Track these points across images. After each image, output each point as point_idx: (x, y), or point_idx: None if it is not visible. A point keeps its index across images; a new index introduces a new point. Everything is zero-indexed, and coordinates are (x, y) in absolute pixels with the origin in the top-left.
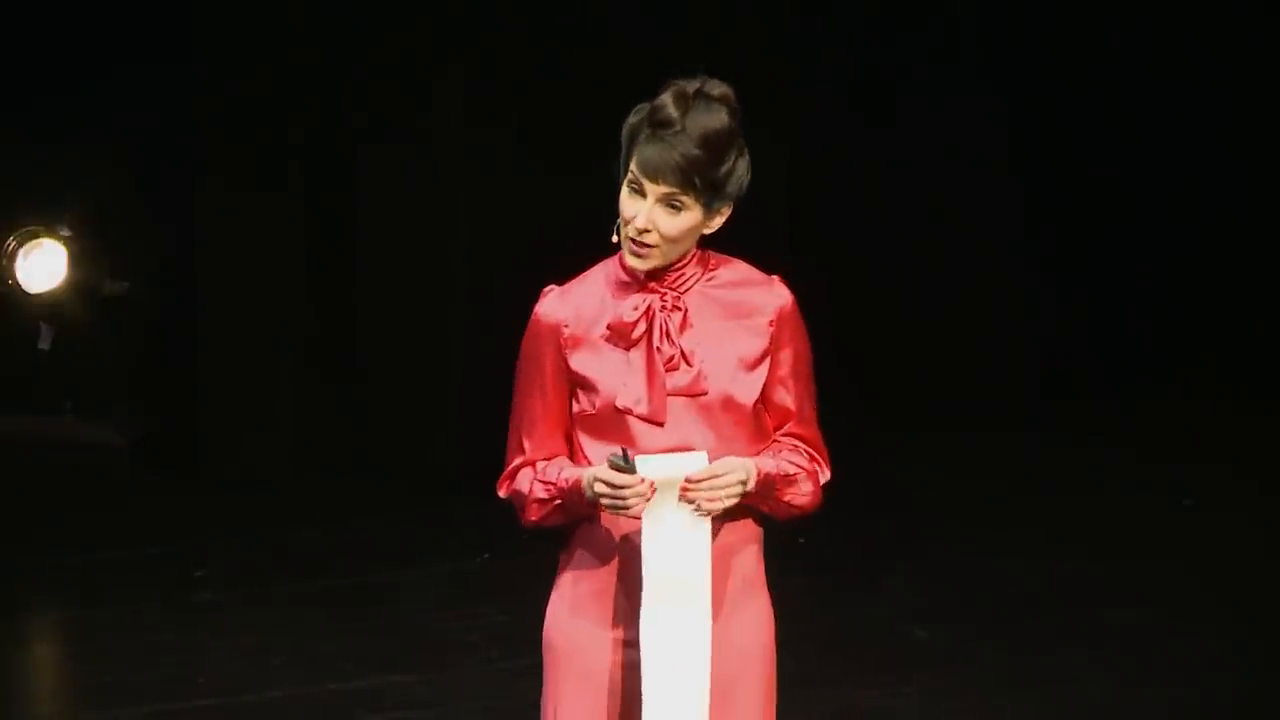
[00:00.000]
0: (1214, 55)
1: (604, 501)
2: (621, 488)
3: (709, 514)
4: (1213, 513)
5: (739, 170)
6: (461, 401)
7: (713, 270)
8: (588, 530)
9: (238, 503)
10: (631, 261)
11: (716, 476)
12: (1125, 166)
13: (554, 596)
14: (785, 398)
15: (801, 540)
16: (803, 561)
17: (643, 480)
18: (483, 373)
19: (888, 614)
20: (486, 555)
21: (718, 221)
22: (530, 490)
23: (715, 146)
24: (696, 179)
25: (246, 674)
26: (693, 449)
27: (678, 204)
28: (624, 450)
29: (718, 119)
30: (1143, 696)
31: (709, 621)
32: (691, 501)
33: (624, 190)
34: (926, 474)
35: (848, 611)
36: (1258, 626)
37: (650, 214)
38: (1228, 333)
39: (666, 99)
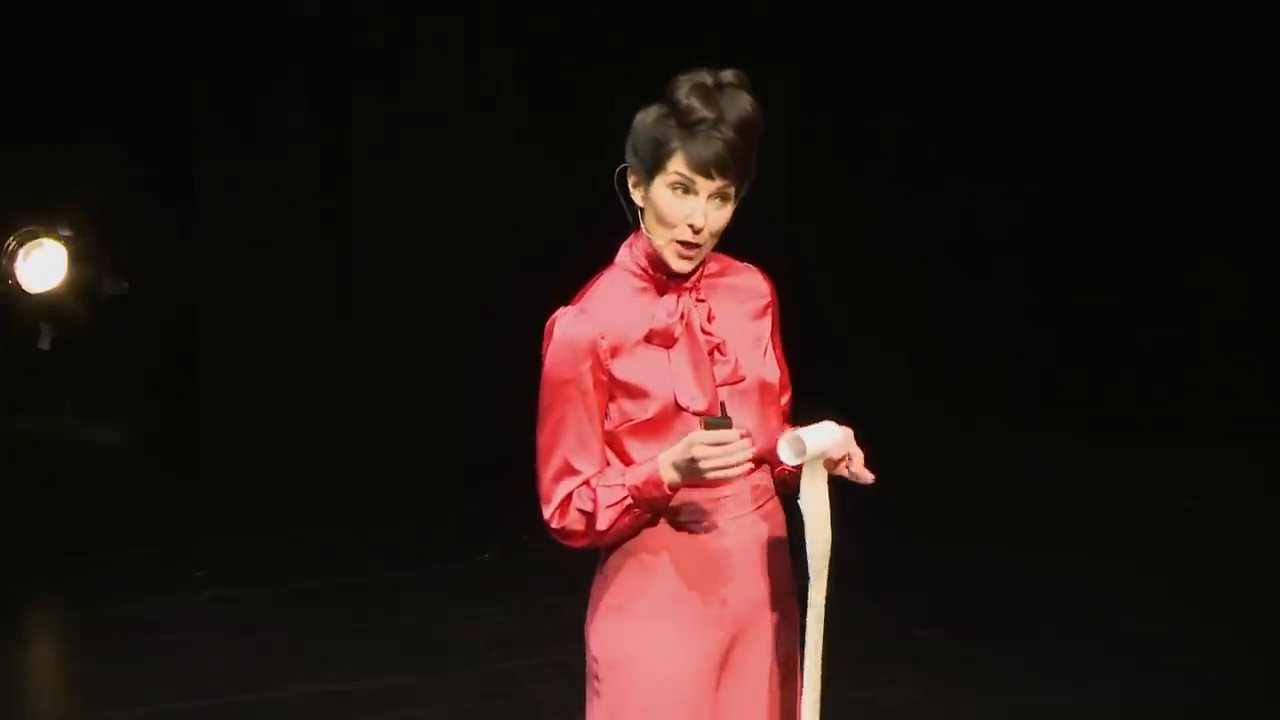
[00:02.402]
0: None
1: (707, 464)
2: (727, 443)
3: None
4: (1216, 512)
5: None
6: (461, 402)
7: (707, 262)
8: (637, 542)
9: (238, 503)
10: (678, 264)
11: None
12: (1130, 165)
13: (607, 613)
14: (783, 375)
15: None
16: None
17: (743, 434)
18: (483, 374)
19: (889, 613)
20: (486, 555)
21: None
22: (596, 502)
23: (751, 132)
24: (741, 168)
25: (246, 674)
26: (748, 435)
27: (727, 196)
28: (723, 408)
29: (748, 103)
30: (1149, 697)
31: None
32: (847, 472)
33: (665, 193)
34: (929, 473)
35: (848, 611)
36: (1268, 626)
37: (705, 210)
38: (1228, 332)
39: (693, 99)
